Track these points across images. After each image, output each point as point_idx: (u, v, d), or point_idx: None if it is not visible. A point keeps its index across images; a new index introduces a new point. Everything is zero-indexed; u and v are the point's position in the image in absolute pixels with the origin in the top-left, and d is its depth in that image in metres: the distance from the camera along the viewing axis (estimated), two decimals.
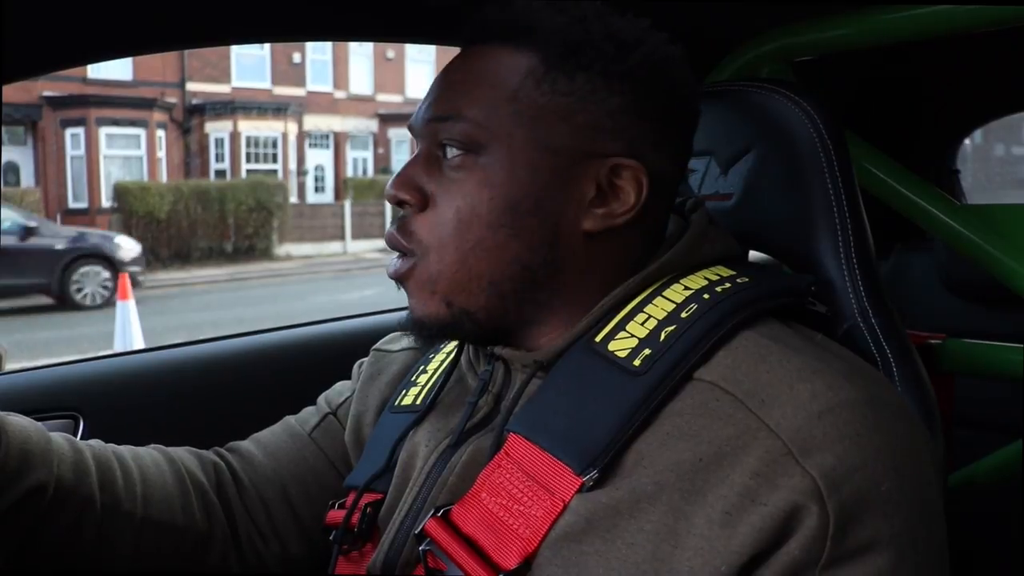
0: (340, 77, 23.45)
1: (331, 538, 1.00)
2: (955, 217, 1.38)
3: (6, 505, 0.90)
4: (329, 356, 1.43)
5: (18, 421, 0.95)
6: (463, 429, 0.92)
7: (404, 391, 1.05)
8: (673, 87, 0.92)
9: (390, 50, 23.52)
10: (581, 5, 0.91)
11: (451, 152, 0.89)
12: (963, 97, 2.03)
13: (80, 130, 18.98)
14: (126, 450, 1.04)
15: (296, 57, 22.51)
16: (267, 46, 21.73)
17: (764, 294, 0.87)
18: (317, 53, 22.94)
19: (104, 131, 19.15)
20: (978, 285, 1.86)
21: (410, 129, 0.95)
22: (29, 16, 1.01)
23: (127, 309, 7.89)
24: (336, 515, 1.02)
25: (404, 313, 0.94)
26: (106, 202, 18.51)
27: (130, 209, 17.69)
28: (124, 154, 19.36)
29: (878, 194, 1.43)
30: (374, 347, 1.19)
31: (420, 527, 0.86)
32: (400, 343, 1.17)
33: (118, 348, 7.45)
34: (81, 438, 1.21)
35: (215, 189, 18.75)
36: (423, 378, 1.05)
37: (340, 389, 1.18)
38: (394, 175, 0.92)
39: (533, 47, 0.89)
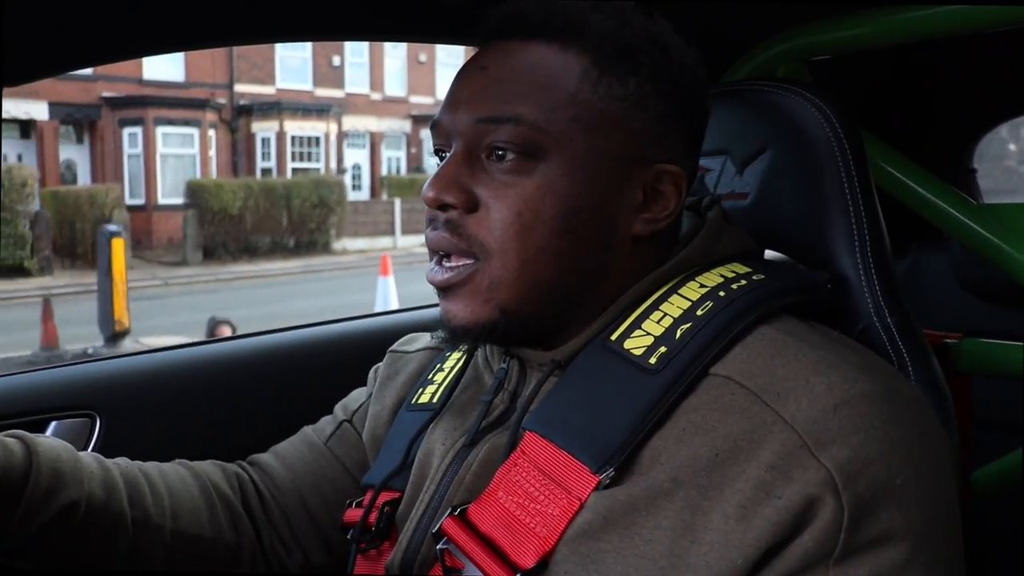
0: (376, 79, 23.62)
1: (349, 537, 0.97)
2: (971, 216, 1.33)
3: (40, 523, 0.88)
4: (344, 355, 1.41)
5: (47, 441, 0.92)
6: (479, 427, 0.89)
7: (421, 389, 1.02)
8: (702, 91, 0.89)
9: (422, 53, 23.80)
10: (618, 4, 0.87)
11: (504, 155, 0.83)
12: (979, 96, 1.97)
13: (138, 129, 19.19)
14: (151, 466, 1.02)
15: (336, 60, 22.68)
16: (308, 49, 21.97)
17: (780, 290, 0.84)
18: (355, 56, 23.09)
19: (160, 130, 19.34)
20: (995, 284, 1.81)
21: (437, 127, 0.88)
22: (30, 16, 0.99)
23: (387, 284, 9.90)
24: (354, 514, 0.98)
25: (424, 315, 0.89)
26: (162, 199, 18.69)
27: (205, 205, 17.93)
28: (178, 152, 19.59)
29: (894, 193, 1.38)
30: (390, 349, 1.15)
31: (437, 526, 0.83)
32: (416, 344, 1.13)
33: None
34: (97, 437, 1.18)
35: (281, 186, 19.07)
36: (439, 376, 1.01)
37: (356, 396, 1.14)
38: (433, 176, 0.85)
39: (581, 47, 0.84)
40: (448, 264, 0.85)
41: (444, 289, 0.86)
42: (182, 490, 1.00)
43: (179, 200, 18.89)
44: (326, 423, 1.12)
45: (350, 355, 1.26)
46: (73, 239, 16.24)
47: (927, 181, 1.38)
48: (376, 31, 1.34)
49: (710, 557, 0.69)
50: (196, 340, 1.54)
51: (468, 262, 0.84)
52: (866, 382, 0.73)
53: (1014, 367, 1.35)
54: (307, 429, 1.13)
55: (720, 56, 1.42)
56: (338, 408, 1.14)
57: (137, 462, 1.01)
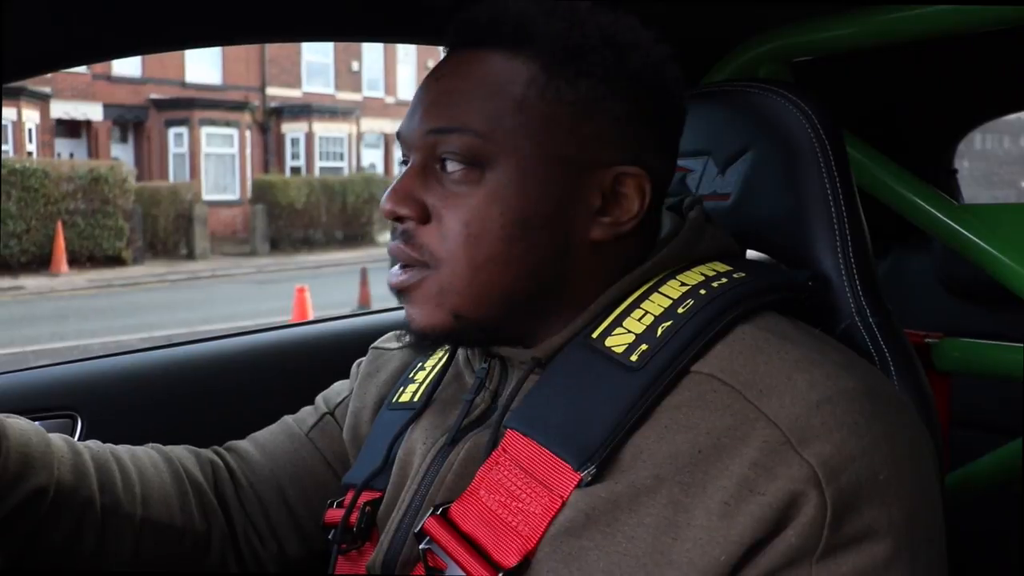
0: (390, 84, 23.63)
1: (330, 537, 0.90)
2: (952, 216, 1.26)
3: (7, 509, 0.81)
4: (327, 355, 1.33)
5: (17, 424, 0.85)
6: (460, 426, 0.83)
7: (402, 388, 0.95)
8: (668, 88, 0.81)
9: (429, 59, 23.97)
10: (573, 5, 0.79)
11: (453, 166, 0.77)
12: (961, 97, 1.89)
13: (183, 130, 19.21)
14: (124, 450, 0.94)
15: (355, 65, 22.72)
16: (330, 55, 22.03)
17: (761, 288, 0.78)
18: (372, 62, 23.09)
19: (205, 131, 19.39)
20: (975, 284, 1.73)
21: (399, 138, 0.83)
22: (33, 14, 0.93)
23: None
24: (335, 514, 0.92)
25: (403, 316, 0.83)
26: (205, 195, 18.72)
27: (274, 200, 18.12)
28: (220, 152, 19.64)
29: (876, 193, 1.31)
30: (372, 345, 1.07)
31: (419, 526, 0.77)
32: (399, 341, 1.05)
33: None
34: (79, 437, 1.12)
35: (338, 183, 19.24)
36: (421, 375, 0.94)
37: (338, 389, 1.07)
38: (389, 188, 0.80)
39: (531, 53, 0.77)
40: (404, 267, 0.80)
41: (400, 292, 0.81)
42: (154, 476, 0.93)
43: (219, 197, 19.03)
44: (307, 414, 1.05)
45: (334, 355, 1.19)
46: (155, 232, 16.38)
47: (908, 181, 1.31)
48: (360, 31, 1.28)
49: (693, 554, 0.65)
50: (180, 341, 1.48)
51: (418, 268, 0.79)
52: (848, 379, 0.69)
53: (995, 367, 1.29)
54: (287, 419, 1.06)
55: (701, 56, 1.35)
56: (319, 400, 1.07)
57: (109, 445, 0.94)
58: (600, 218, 0.79)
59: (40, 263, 13.91)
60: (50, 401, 1.24)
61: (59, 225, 13.92)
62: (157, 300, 12.40)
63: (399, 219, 0.80)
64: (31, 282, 13.27)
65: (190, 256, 16.42)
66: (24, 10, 0.90)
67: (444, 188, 0.78)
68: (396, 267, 0.81)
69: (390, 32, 1.29)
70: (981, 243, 1.22)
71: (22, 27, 0.92)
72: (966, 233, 1.24)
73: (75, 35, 1.01)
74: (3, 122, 15.54)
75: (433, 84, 0.81)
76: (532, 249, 0.77)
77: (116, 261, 14.99)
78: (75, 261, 14.34)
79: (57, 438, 0.89)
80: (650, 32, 0.81)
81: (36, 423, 0.89)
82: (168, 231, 16.44)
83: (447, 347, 0.90)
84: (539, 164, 0.77)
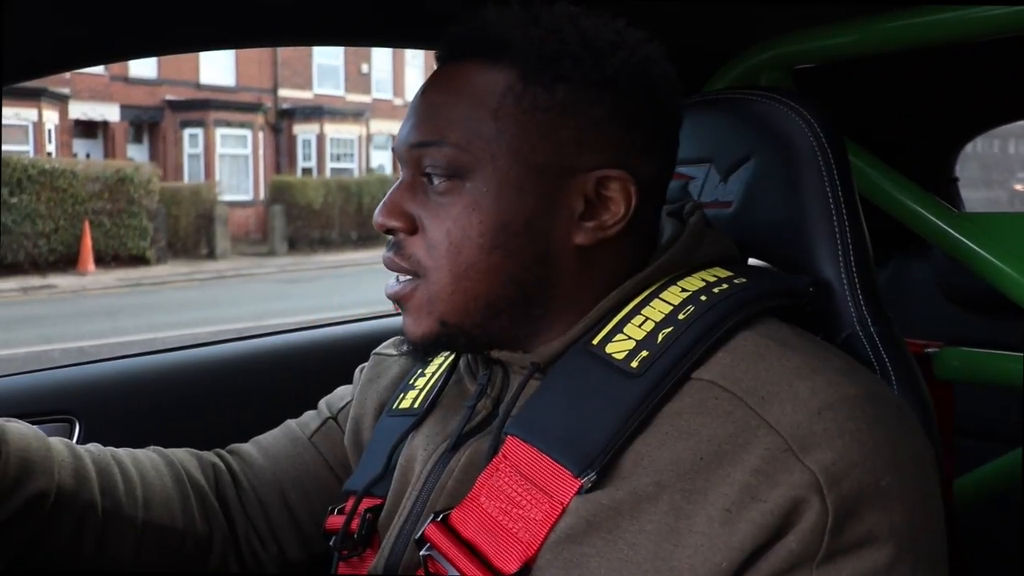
0: (398, 86, 23.55)
1: (331, 544, 0.89)
2: (953, 225, 1.24)
3: (7, 513, 0.80)
4: (329, 360, 1.32)
5: (18, 428, 0.84)
6: (461, 432, 0.82)
7: (402, 394, 0.94)
8: (654, 89, 0.79)
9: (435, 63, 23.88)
10: (554, 11, 0.78)
11: (436, 178, 0.78)
12: (962, 105, 1.88)
13: (198, 131, 19.14)
14: (125, 453, 0.94)
15: (364, 68, 22.66)
16: (341, 57, 21.93)
17: (762, 294, 0.77)
18: (381, 64, 23.04)
19: (220, 132, 19.33)
20: (976, 293, 1.71)
21: (394, 153, 0.83)
22: (42, 15, 0.92)
23: None
24: (336, 521, 0.91)
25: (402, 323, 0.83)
26: (220, 196, 18.76)
27: (292, 200, 18.08)
28: (234, 153, 19.60)
29: (877, 202, 1.29)
30: (374, 351, 1.06)
31: (420, 532, 0.76)
32: (398, 348, 1.04)
33: None
34: (77, 442, 1.11)
35: (354, 184, 19.22)
36: (421, 381, 0.93)
37: (341, 394, 1.06)
38: (381, 202, 0.81)
39: (509, 62, 0.77)
40: (399, 278, 0.81)
41: (397, 302, 0.81)
42: (155, 479, 0.92)
43: (233, 197, 18.97)
44: (310, 418, 1.05)
45: (337, 359, 1.18)
46: (176, 232, 16.38)
47: (909, 190, 1.29)
48: (367, 36, 1.27)
49: (694, 560, 0.64)
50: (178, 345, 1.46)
51: (411, 279, 0.80)
52: (850, 385, 0.68)
53: (995, 376, 1.27)
54: (290, 423, 1.05)
55: (703, 64, 1.33)
56: (322, 404, 1.06)
57: (110, 448, 0.93)
58: (584, 223, 0.78)
59: (67, 262, 13.93)
60: (48, 405, 1.23)
61: (86, 224, 13.96)
62: (196, 298, 12.39)
63: (390, 231, 0.80)
64: (62, 281, 13.31)
65: (211, 256, 16.41)
66: (36, 10, 0.90)
67: (429, 199, 0.79)
68: (393, 278, 0.82)
69: (396, 37, 1.28)
70: (982, 252, 1.21)
71: (34, 27, 0.91)
72: (967, 242, 1.22)
73: (88, 36, 1.00)
74: (25, 123, 15.64)
75: (420, 99, 0.81)
76: (512, 256, 0.77)
77: (140, 260, 15.01)
78: (100, 260, 14.38)
79: (57, 442, 0.88)
80: (640, 32, 0.80)
81: (35, 427, 0.88)
82: (189, 231, 16.45)
83: (447, 354, 0.90)
84: (515, 172, 0.76)
